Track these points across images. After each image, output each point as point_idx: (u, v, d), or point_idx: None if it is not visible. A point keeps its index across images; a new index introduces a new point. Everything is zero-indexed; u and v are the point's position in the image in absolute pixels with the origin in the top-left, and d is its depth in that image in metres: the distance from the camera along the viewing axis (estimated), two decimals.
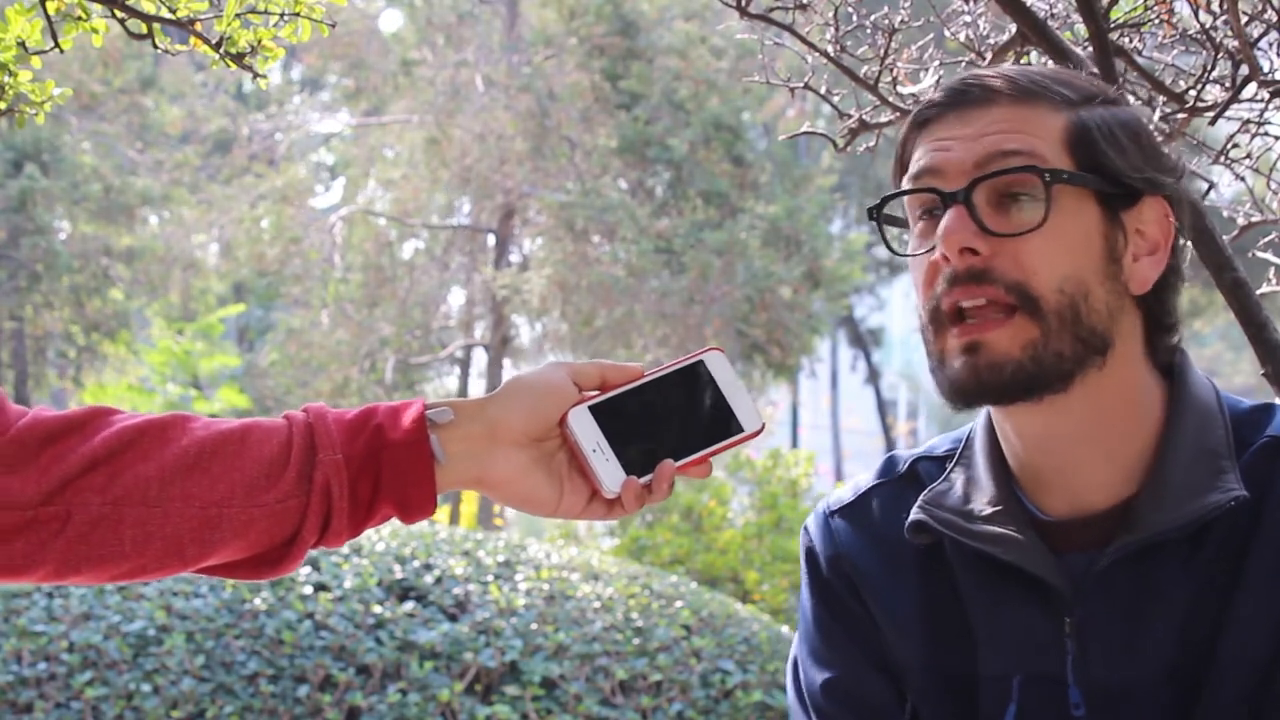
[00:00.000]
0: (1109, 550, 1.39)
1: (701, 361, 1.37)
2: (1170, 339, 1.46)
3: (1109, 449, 1.41)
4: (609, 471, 1.33)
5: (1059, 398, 1.38)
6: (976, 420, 1.53)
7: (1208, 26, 2.31)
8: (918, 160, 1.42)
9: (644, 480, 1.33)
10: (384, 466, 1.29)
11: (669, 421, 1.36)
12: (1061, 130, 1.40)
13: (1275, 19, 2.33)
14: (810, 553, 1.56)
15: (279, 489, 1.27)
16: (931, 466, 1.53)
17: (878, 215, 1.47)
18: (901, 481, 1.54)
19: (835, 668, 1.52)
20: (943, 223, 1.37)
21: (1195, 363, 1.49)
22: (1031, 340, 1.36)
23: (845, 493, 1.58)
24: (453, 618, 6.24)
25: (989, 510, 1.44)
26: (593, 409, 1.33)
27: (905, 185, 1.43)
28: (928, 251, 1.40)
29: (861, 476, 1.59)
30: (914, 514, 1.48)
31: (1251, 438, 1.42)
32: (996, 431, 1.48)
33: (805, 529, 1.58)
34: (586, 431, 1.33)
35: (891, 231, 1.51)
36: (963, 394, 1.39)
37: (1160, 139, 1.48)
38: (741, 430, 1.36)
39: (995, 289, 1.36)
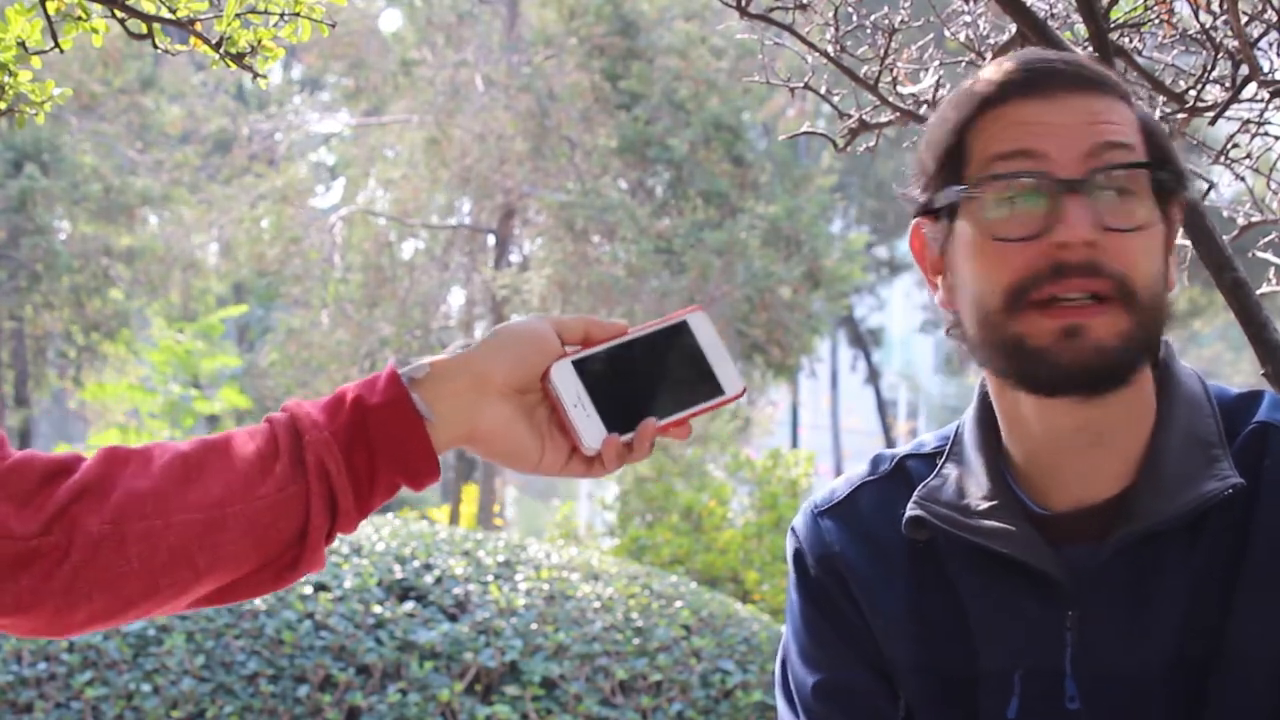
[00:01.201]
0: (1109, 542, 1.39)
1: (685, 321, 1.35)
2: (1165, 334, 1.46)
3: (1119, 443, 1.42)
4: (590, 428, 1.31)
5: (1119, 392, 1.39)
6: (964, 416, 1.52)
7: (1208, 26, 2.31)
8: (1003, 140, 1.38)
9: (625, 439, 1.32)
10: (373, 433, 1.27)
11: (651, 380, 1.34)
12: (1138, 126, 1.40)
13: (1275, 19, 2.33)
14: (798, 553, 1.55)
15: (274, 480, 1.25)
16: (919, 464, 1.53)
17: (970, 195, 1.40)
18: (889, 479, 1.53)
19: (826, 668, 1.51)
20: (1068, 212, 1.35)
21: (1195, 362, 1.49)
22: (1127, 330, 1.36)
23: (832, 492, 1.57)
24: (453, 618, 6.24)
25: (985, 505, 1.44)
26: (576, 363, 1.32)
27: (996, 161, 1.38)
28: (1031, 238, 1.36)
29: (848, 475, 1.58)
30: (910, 509, 1.47)
31: (1240, 425, 1.43)
32: (1000, 425, 1.47)
33: (793, 529, 1.57)
34: (568, 386, 1.31)
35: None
36: (1061, 379, 1.37)
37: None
38: (722, 393, 1.35)
39: (1103, 281, 1.35)
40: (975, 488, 1.46)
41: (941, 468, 1.50)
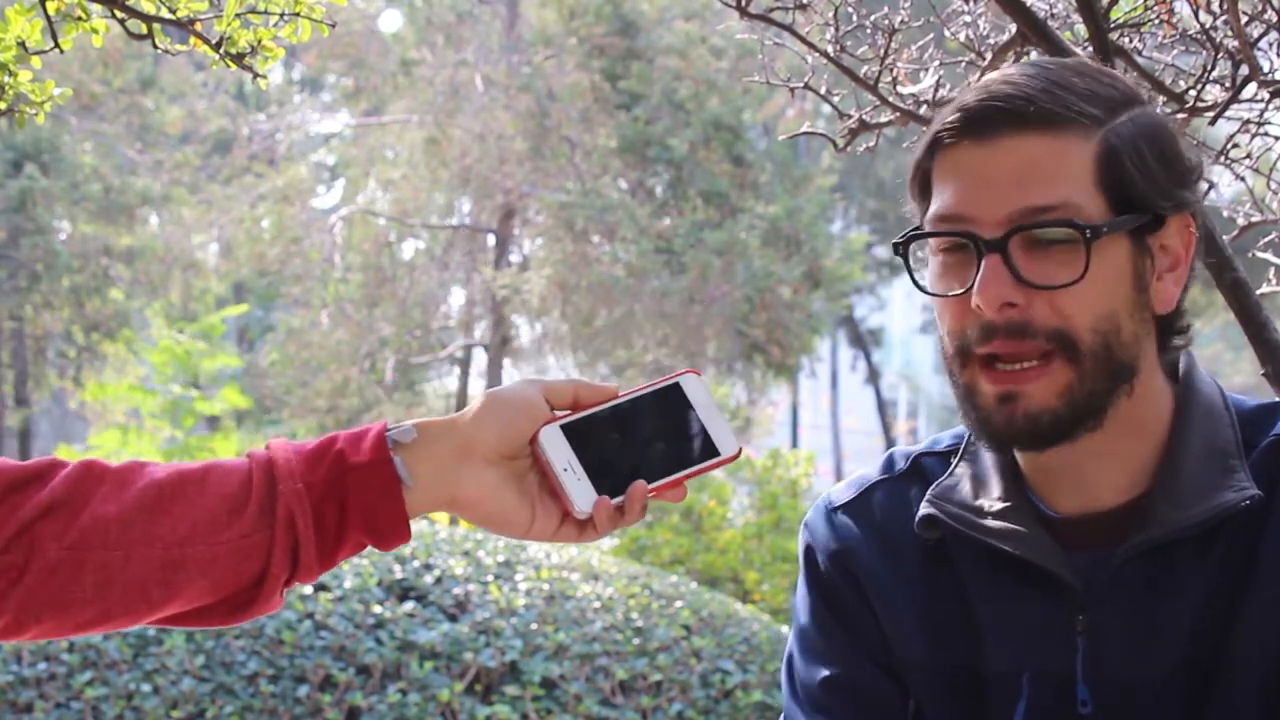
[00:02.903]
0: (1124, 548, 1.39)
1: (677, 384, 1.35)
2: (1181, 340, 1.45)
3: (1123, 454, 1.42)
4: (580, 491, 1.31)
5: (1093, 433, 1.39)
6: None
7: (1208, 26, 2.31)
8: (944, 194, 1.39)
9: (616, 501, 1.31)
10: (349, 492, 1.27)
11: (642, 442, 1.34)
12: (1092, 162, 1.36)
13: (1275, 19, 2.33)
14: (810, 550, 1.55)
15: (241, 525, 1.25)
16: (934, 462, 1.53)
17: (904, 251, 1.42)
18: (904, 478, 1.53)
19: (835, 665, 1.51)
20: (981, 274, 1.35)
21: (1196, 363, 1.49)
22: (1068, 385, 1.36)
23: (847, 489, 1.56)
24: (453, 618, 6.24)
25: (998, 506, 1.44)
26: (564, 428, 1.32)
27: (933, 221, 1.40)
28: (963, 293, 1.37)
29: (863, 472, 1.58)
30: (923, 508, 1.47)
31: (1258, 437, 1.43)
32: None
33: (806, 525, 1.57)
34: (558, 450, 1.31)
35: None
36: (998, 441, 1.39)
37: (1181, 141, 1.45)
38: (717, 454, 1.34)
39: (1036, 341, 1.35)
40: (988, 489, 1.46)
41: (955, 467, 1.50)
